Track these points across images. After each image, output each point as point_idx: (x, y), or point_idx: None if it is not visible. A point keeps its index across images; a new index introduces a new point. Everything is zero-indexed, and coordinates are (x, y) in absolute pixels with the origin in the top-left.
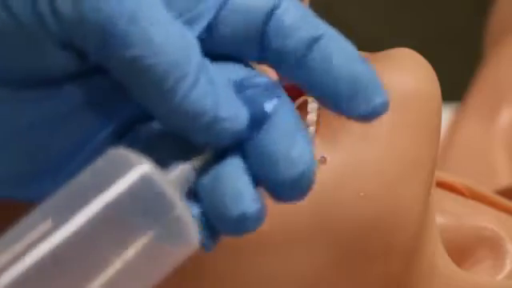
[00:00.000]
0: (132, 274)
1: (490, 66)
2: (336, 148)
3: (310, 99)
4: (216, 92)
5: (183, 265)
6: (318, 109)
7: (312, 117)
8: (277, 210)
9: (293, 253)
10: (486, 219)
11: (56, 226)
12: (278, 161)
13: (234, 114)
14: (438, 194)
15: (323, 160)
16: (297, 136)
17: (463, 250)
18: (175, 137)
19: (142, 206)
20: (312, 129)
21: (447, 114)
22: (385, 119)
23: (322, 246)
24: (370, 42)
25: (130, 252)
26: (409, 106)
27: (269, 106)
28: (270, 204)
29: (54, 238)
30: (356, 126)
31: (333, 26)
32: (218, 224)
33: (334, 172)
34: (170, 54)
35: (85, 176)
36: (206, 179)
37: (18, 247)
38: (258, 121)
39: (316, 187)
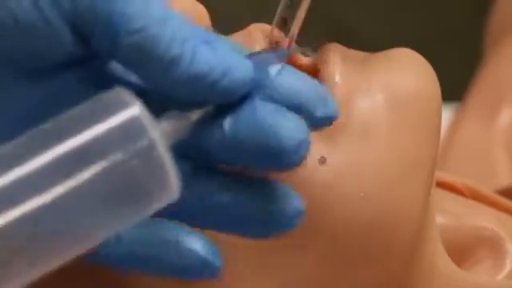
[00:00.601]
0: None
1: (489, 66)
2: (336, 148)
3: None
4: (221, 49)
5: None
6: None
7: None
8: None
9: (293, 253)
10: (486, 219)
11: (35, 152)
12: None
13: (240, 64)
14: (438, 194)
15: (323, 160)
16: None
17: (463, 250)
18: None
19: (127, 145)
20: None
21: (447, 114)
22: (385, 119)
23: (323, 246)
24: (369, 42)
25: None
26: (409, 106)
27: (273, 70)
28: None
29: (30, 164)
30: (356, 126)
31: (333, 27)
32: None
33: (334, 172)
34: (171, 23)
35: (77, 109)
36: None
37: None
38: (261, 82)
39: (316, 188)
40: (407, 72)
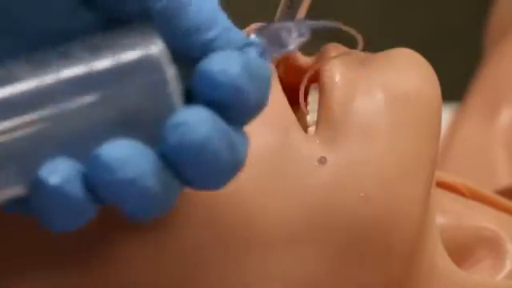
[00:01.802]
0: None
1: (489, 66)
2: (336, 148)
3: (309, 100)
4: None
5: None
6: (318, 109)
7: (312, 117)
8: (276, 211)
9: (293, 254)
10: (486, 219)
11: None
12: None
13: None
14: (438, 194)
15: (323, 160)
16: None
17: (463, 250)
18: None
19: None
20: (312, 129)
21: (447, 113)
22: (385, 119)
23: (323, 246)
24: (369, 42)
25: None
26: (409, 106)
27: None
28: (271, 206)
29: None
30: (356, 127)
31: (333, 28)
32: None
33: (334, 172)
34: None
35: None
36: None
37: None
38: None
39: (316, 188)
40: (407, 72)
